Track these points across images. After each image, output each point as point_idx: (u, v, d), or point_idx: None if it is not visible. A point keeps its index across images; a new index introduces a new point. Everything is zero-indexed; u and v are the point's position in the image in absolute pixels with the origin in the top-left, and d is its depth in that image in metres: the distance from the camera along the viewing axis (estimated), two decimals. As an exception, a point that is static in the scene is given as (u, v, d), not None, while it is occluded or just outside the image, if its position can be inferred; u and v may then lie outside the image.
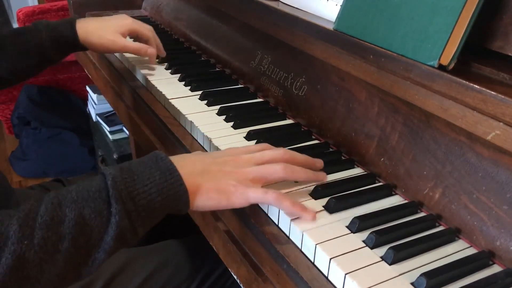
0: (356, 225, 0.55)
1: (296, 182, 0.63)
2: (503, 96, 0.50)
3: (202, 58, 1.11)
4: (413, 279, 0.49)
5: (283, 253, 0.55)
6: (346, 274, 0.49)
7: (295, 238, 0.56)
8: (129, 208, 0.50)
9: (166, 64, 1.03)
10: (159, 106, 0.90)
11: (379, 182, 0.66)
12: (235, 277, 0.62)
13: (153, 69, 1.01)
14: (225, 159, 0.58)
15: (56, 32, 0.90)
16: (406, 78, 0.60)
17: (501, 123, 0.50)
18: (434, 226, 0.58)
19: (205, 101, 0.87)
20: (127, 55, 1.07)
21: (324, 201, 0.60)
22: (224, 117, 0.81)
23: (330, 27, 0.72)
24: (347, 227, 0.56)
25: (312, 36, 0.75)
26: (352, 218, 0.56)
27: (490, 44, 0.58)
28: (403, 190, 0.63)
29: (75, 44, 0.92)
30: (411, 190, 0.62)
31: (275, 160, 0.60)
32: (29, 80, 2.14)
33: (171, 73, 1.00)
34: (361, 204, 0.60)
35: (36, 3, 3.14)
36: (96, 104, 1.86)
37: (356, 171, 0.69)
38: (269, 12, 0.85)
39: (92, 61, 1.23)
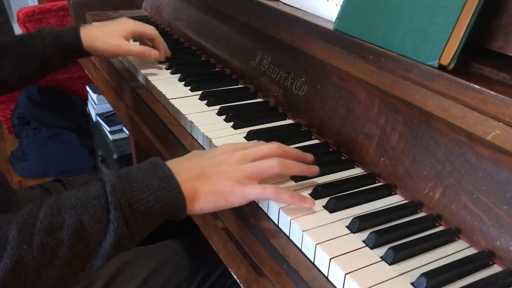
0: (356, 225, 0.55)
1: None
2: (503, 96, 0.50)
3: (202, 58, 1.11)
4: (413, 279, 0.49)
5: (283, 253, 0.55)
6: (346, 274, 0.49)
7: (295, 238, 0.56)
8: (128, 215, 0.51)
9: (166, 64, 1.03)
10: (159, 106, 0.90)
11: (379, 182, 0.66)
12: (235, 277, 0.62)
13: (153, 69, 1.01)
14: (220, 159, 0.59)
15: (60, 38, 0.91)
16: (406, 78, 0.60)
17: (501, 123, 0.50)
18: (434, 226, 0.58)
19: (205, 101, 0.87)
20: (127, 55, 1.07)
21: (324, 201, 0.60)
22: (224, 117, 0.81)
23: (330, 27, 0.72)
24: (347, 227, 0.56)
25: (312, 36, 0.75)
26: (352, 218, 0.56)
27: (490, 44, 0.58)
28: (403, 190, 0.63)
29: (79, 50, 0.93)
30: (411, 190, 0.62)
31: (270, 155, 0.60)
32: (29, 80, 2.13)
33: (171, 73, 1.00)
34: (361, 204, 0.60)
35: (36, 3, 3.14)
36: (96, 104, 1.86)
37: (356, 171, 0.69)
38: (269, 12, 0.85)
39: (92, 61, 1.23)
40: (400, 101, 0.63)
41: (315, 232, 0.54)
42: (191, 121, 0.79)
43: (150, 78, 0.96)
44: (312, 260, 0.53)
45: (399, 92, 0.61)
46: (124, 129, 1.73)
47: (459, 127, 0.55)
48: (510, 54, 0.56)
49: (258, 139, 0.73)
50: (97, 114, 1.85)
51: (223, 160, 0.58)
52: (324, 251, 0.51)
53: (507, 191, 0.52)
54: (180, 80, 0.96)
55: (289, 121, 0.83)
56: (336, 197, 0.60)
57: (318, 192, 0.61)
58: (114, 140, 1.72)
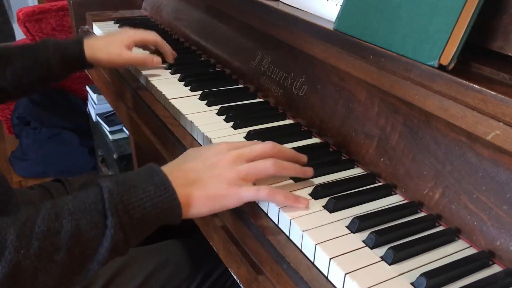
0: (356, 225, 0.55)
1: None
2: (503, 96, 0.50)
3: (202, 58, 1.11)
4: (413, 279, 0.49)
5: (283, 253, 0.55)
6: (346, 274, 0.49)
7: (295, 238, 0.56)
8: (124, 221, 0.51)
9: (166, 64, 1.03)
10: (159, 106, 0.90)
11: (379, 182, 0.66)
12: (235, 277, 0.62)
13: (153, 69, 1.01)
14: (214, 161, 0.58)
15: (63, 50, 0.91)
16: (406, 78, 0.60)
17: (501, 123, 0.50)
18: (434, 226, 0.58)
19: (205, 101, 0.87)
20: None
21: (324, 201, 0.60)
22: (224, 117, 0.81)
23: (330, 27, 0.72)
24: (347, 227, 0.56)
25: (312, 36, 0.75)
26: (352, 218, 0.56)
27: (490, 44, 0.58)
28: (403, 190, 0.63)
29: (82, 62, 0.93)
30: (411, 190, 0.62)
31: (265, 155, 0.60)
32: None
33: (171, 73, 1.00)
34: (361, 204, 0.60)
35: (36, 3, 3.14)
36: (96, 104, 1.86)
37: (356, 171, 0.69)
38: (269, 12, 0.85)
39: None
40: (400, 101, 0.63)
41: (315, 232, 0.54)
42: (191, 121, 0.79)
43: (150, 78, 0.96)
44: (312, 260, 0.53)
45: (399, 92, 0.61)
46: (124, 129, 1.73)
47: (459, 127, 0.55)
48: (510, 54, 0.56)
49: (258, 139, 0.73)
50: (97, 114, 1.85)
51: (217, 161, 0.58)
52: (324, 251, 0.51)
53: (507, 191, 0.52)
54: (180, 80, 0.96)
55: (289, 121, 0.83)
56: (336, 197, 0.60)
57: (318, 192, 0.61)
58: (114, 140, 1.72)
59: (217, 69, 1.04)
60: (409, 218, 0.59)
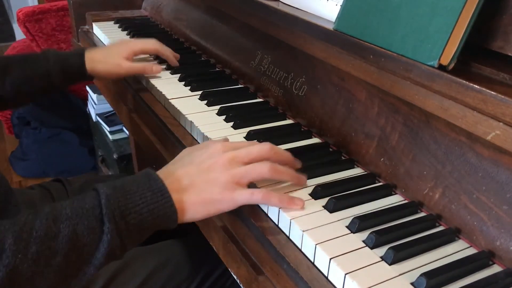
0: (356, 225, 0.55)
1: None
2: (503, 96, 0.50)
3: (202, 58, 1.11)
4: (413, 279, 0.49)
5: (283, 253, 0.55)
6: (346, 274, 0.49)
7: (295, 238, 0.56)
8: (121, 227, 0.52)
9: (166, 64, 1.03)
10: (159, 106, 0.90)
11: (379, 182, 0.66)
12: (235, 277, 0.62)
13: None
14: (208, 164, 0.58)
15: (64, 62, 0.91)
16: (406, 78, 0.60)
17: (501, 123, 0.50)
18: (434, 226, 0.58)
19: (205, 101, 0.87)
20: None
21: (324, 201, 0.60)
22: (224, 117, 0.81)
23: (330, 27, 0.72)
24: (347, 227, 0.56)
25: (312, 36, 0.75)
26: (352, 218, 0.56)
27: (490, 44, 0.58)
28: (403, 190, 0.63)
29: (83, 74, 0.94)
30: (411, 190, 0.62)
31: (262, 157, 0.59)
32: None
33: (171, 73, 1.00)
34: (361, 204, 0.60)
35: (36, 3, 3.14)
36: (96, 104, 1.86)
37: (356, 171, 0.69)
38: (269, 12, 0.85)
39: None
40: (400, 101, 0.63)
41: (315, 232, 0.54)
42: (191, 121, 0.79)
43: (150, 78, 0.96)
44: (312, 260, 0.53)
45: (399, 92, 0.61)
46: (124, 129, 1.73)
47: (459, 127, 0.55)
48: (510, 54, 0.56)
49: (258, 139, 0.73)
50: (97, 114, 1.85)
51: (211, 165, 0.58)
52: (324, 251, 0.51)
53: (507, 191, 0.52)
54: (180, 80, 0.96)
55: (289, 121, 0.83)
56: (336, 197, 0.59)
57: (318, 192, 0.61)
58: (114, 140, 1.72)
59: (217, 69, 1.04)
60: (409, 218, 0.59)
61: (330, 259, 0.51)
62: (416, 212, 0.60)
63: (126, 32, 1.27)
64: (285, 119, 0.83)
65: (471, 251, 0.55)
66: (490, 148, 0.54)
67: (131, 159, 1.62)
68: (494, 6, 0.57)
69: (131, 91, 0.99)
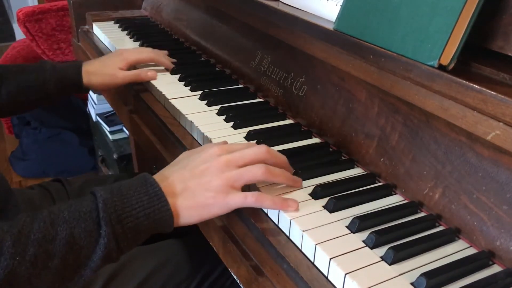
0: (356, 225, 0.55)
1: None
2: (503, 96, 0.50)
3: (202, 58, 1.11)
4: (413, 279, 0.49)
5: (283, 253, 0.55)
6: (346, 274, 0.49)
7: (295, 238, 0.56)
8: (117, 231, 0.53)
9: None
10: (159, 106, 0.90)
11: (379, 182, 0.66)
12: (235, 277, 0.62)
13: (153, 69, 1.01)
14: (202, 169, 0.58)
15: (61, 74, 0.92)
16: (406, 78, 0.60)
17: (501, 123, 0.50)
18: (434, 226, 0.58)
19: (205, 101, 0.87)
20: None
21: (324, 201, 0.60)
22: (224, 117, 0.81)
23: (330, 27, 0.72)
24: (347, 227, 0.56)
25: (312, 36, 0.75)
26: (352, 218, 0.56)
27: (490, 44, 0.58)
28: (403, 190, 0.63)
29: (79, 86, 0.94)
30: (411, 190, 0.62)
31: (257, 160, 0.59)
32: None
33: (171, 73, 1.00)
34: (361, 204, 0.60)
35: (36, 3, 3.14)
36: (96, 104, 1.86)
37: (356, 171, 0.69)
38: (269, 12, 0.85)
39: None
40: (400, 101, 0.63)
41: (315, 232, 0.54)
42: (191, 121, 0.79)
43: (150, 78, 0.96)
44: (312, 260, 0.53)
45: (399, 92, 0.61)
46: (124, 129, 1.73)
47: (459, 127, 0.55)
48: (510, 54, 0.56)
49: (258, 139, 0.73)
50: (97, 114, 1.85)
51: (205, 169, 0.58)
52: (324, 251, 0.51)
53: (507, 191, 0.52)
54: (180, 80, 0.96)
55: (289, 121, 0.83)
56: (336, 197, 0.59)
57: (318, 192, 0.61)
58: (114, 140, 1.72)
59: (217, 69, 1.04)
60: (409, 218, 0.59)
61: (330, 259, 0.51)
62: (416, 212, 0.60)
63: (126, 32, 1.27)
64: (285, 119, 0.83)
65: (471, 251, 0.55)
66: (490, 148, 0.54)
67: (131, 159, 1.62)
68: (494, 6, 0.57)
69: (131, 91, 0.99)
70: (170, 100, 0.87)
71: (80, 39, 1.36)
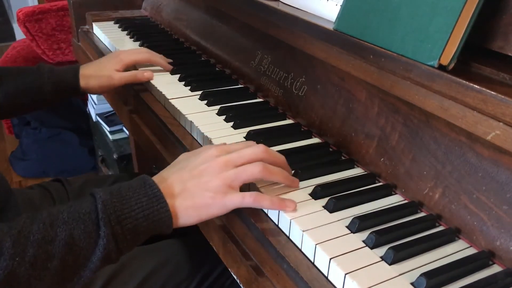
0: (356, 225, 0.55)
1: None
2: (503, 96, 0.50)
3: (202, 58, 1.11)
4: (413, 279, 0.49)
5: (283, 253, 0.55)
6: (346, 274, 0.49)
7: (295, 238, 0.56)
8: (116, 232, 0.53)
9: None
10: (159, 106, 0.90)
11: (379, 182, 0.66)
12: (235, 277, 0.62)
13: (153, 69, 1.01)
14: (200, 170, 0.58)
15: (59, 77, 0.92)
16: (406, 78, 0.60)
17: (501, 123, 0.50)
18: (434, 226, 0.58)
19: (205, 101, 0.87)
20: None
21: (324, 201, 0.60)
22: (224, 117, 0.81)
23: (330, 27, 0.72)
24: (347, 227, 0.56)
25: (312, 36, 0.75)
26: (352, 218, 0.56)
27: (490, 44, 0.58)
28: (403, 190, 0.63)
29: (76, 90, 0.94)
30: (411, 190, 0.62)
31: (255, 159, 0.59)
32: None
33: (171, 73, 1.00)
34: (361, 204, 0.60)
35: (36, 3, 3.14)
36: (96, 104, 1.86)
37: (356, 171, 0.69)
38: (269, 12, 0.85)
39: (92, 61, 1.23)
40: (400, 101, 0.63)
41: (315, 232, 0.54)
42: (191, 121, 0.79)
43: (150, 78, 0.96)
44: (312, 260, 0.53)
45: (399, 92, 0.61)
46: (124, 129, 1.73)
47: (459, 127, 0.55)
48: (510, 54, 0.56)
49: (258, 139, 0.73)
50: (97, 114, 1.85)
51: (204, 169, 0.58)
52: (324, 251, 0.51)
53: (507, 191, 0.52)
54: (180, 80, 0.96)
55: (289, 121, 0.83)
56: (336, 197, 0.59)
57: (318, 192, 0.61)
58: (114, 140, 1.72)
59: (217, 69, 1.04)
60: (409, 218, 0.59)
61: (330, 259, 0.51)
62: (416, 212, 0.60)
63: (126, 32, 1.27)
64: (285, 119, 0.83)
65: (471, 251, 0.55)
66: (490, 148, 0.54)
67: (131, 159, 1.62)
68: (494, 6, 0.57)
69: (131, 91, 0.99)
70: (170, 100, 0.87)
71: (80, 39, 1.36)
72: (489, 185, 0.54)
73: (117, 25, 1.33)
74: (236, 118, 0.80)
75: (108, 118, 1.80)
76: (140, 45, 1.17)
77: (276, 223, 0.59)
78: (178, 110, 0.83)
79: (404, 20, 0.61)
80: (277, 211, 0.58)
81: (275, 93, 0.86)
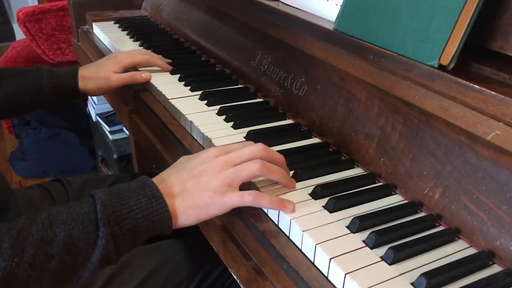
0: (356, 225, 0.55)
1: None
2: (503, 96, 0.50)
3: (202, 58, 1.11)
4: (413, 279, 0.49)
5: (283, 253, 0.55)
6: (346, 274, 0.49)
7: (295, 238, 0.56)
8: (115, 232, 0.53)
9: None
10: (159, 106, 0.90)
11: (379, 182, 0.66)
12: (235, 277, 0.62)
13: (153, 69, 1.01)
14: (200, 170, 0.58)
15: (58, 79, 0.92)
16: (406, 78, 0.60)
17: (501, 123, 0.50)
18: (434, 226, 0.58)
19: (205, 101, 0.87)
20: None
21: (324, 201, 0.60)
22: (224, 117, 0.81)
23: (330, 27, 0.72)
24: (347, 227, 0.56)
25: (312, 36, 0.75)
26: (352, 218, 0.56)
27: (490, 44, 0.58)
28: (403, 190, 0.63)
29: (75, 91, 0.94)
30: (411, 190, 0.62)
31: (254, 157, 0.59)
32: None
33: (171, 73, 1.00)
34: (361, 204, 0.60)
35: (36, 3, 3.14)
36: (96, 104, 1.86)
37: (356, 171, 0.69)
38: (269, 12, 0.85)
39: (92, 61, 1.23)
40: (400, 101, 0.63)
41: (315, 232, 0.54)
42: (191, 121, 0.79)
43: (150, 78, 0.96)
44: (312, 260, 0.53)
45: (399, 92, 0.61)
46: (124, 129, 1.73)
47: (459, 127, 0.55)
48: (510, 54, 0.56)
49: (258, 139, 0.73)
50: (97, 114, 1.85)
51: (203, 169, 0.58)
52: (324, 251, 0.51)
53: (507, 191, 0.52)
54: (180, 80, 0.96)
55: (289, 121, 0.83)
56: (336, 197, 0.59)
57: (318, 192, 0.61)
58: (114, 140, 1.72)
59: (217, 69, 1.04)
60: (409, 218, 0.59)
61: (330, 259, 0.51)
62: (416, 212, 0.60)
63: (126, 32, 1.27)
64: (285, 119, 0.83)
65: (471, 251, 0.55)
66: (490, 148, 0.54)
67: (131, 159, 1.62)
68: (494, 6, 0.57)
69: (131, 91, 0.99)
70: (170, 100, 0.87)
71: (80, 39, 1.36)
72: (489, 185, 0.54)
73: (117, 25, 1.33)
74: (236, 118, 0.80)
75: (108, 118, 1.80)
76: (140, 45, 1.17)
77: (276, 223, 0.59)
78: (178, 110, 0.83)
79: (404, 20, 0.61)
80: (277, 211, 0.58)
81: (275, 93, 0.86)
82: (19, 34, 3.14)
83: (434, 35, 0.58)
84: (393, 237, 0.54)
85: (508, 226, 0.52)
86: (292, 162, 0.65)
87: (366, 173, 0.68)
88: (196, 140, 0.78)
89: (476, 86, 0.52)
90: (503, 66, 0.57)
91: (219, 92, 0.91)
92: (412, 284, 0.49)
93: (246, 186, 0.63)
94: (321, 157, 0.72)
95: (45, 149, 2.16)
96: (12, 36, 3.63)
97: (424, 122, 0.61)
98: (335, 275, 0.50)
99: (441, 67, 0.57)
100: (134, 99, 0.98)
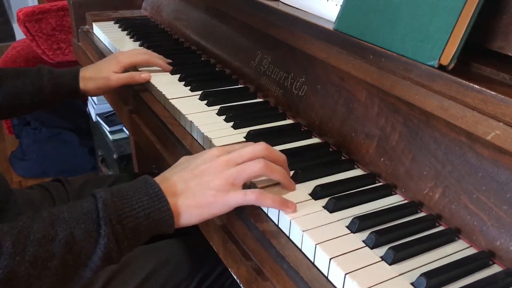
0: (356, 225, 0.55)
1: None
2: (503, 96, 0.50)
3: (202, 58, 1.11)
4: (413, 279, 0.49)
5: (283, 253, 0.55)
6: (346, 274, 0.49)
7: (295, 238, 0.56)
8: (117, 230, 0.53)
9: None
10: (159, 106, 0.90)
11: (379, 182, 0.66)
12: (235, 277, 0.62)
13: (153, 69, 1.01)
14: (202, 169, 0.59)
15: (58, 79, 0.92)
16: (406, 78, 0.60)
17: (501, 123, 0.50)
18: (434, 226, 0.58)
19: (205, 101, 0.87)
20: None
21: (324, 201, 0.60)
22: (224, 117, 0.81)
23: (330, 27, 0.72)
24: (347, 227, 0.56)
25: (312, 36, 0.75)
26: (352, 218, 0.56)
27: (490, 44, 0.58)
28: (403, 190, 0.63)
29: (76, 92, 0.95)
30: (411, 190, 0.62)
31: (256, 156, 0.60)
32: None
33: (171, 73, 1.00)
34: (361, 204, 0.60)
35: (36, 3, 3.14)
36: (96, 104, 1.86)
37: (356, 171, 0.69)
38: (269, 12, 0.85)
39: (92, 61, 1.23)
40: (400, 101, 0.63)
41: (315, 232, 0.54)
42: (191, 121, 0.79)
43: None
44: (312, 260, 0.53)
45: (399, 92, 0.61)
46: (124, 129, 1.73)
47: (459, 127, 0.55)
48: (510, 54, 0.56)
49: (258, 139, 0.73)
50: (97, 114, 1.85)
51: (205, 169, 0.58)
52: (324, 251, 0.51)
53: (507, 191, 0.52)
54: (180, 80, 0.96)
55: (289, 121, 0.83)
56: (336, 197, 0.60)
57: (318, 192, 0.61)
58: (114, 140, 1.72)
59: (217, 69, 1.04)
60: (409, 218, 0.59)
61: (330, 259, 0.51)
62: (416, 212, 0.60)
63: (126, 32, 1.27)
64: (285, 119, 0.83)
65: (471, 251, 0.55)
66: (490, 148, 0.54)
67: (131, 159, 1.62)
68: (494, 6, 0.57)
69: (131, 91, 0.99)
70: (170, 100, 0.87)
71: (80, 39, 1.36)
72: (489, 185, 0.54)
73: (117, 25, 1.33)
74: (236, 118, 0.80)
75: (108, 118, 1.80)
76: (140, 45, 1.17)
77: (276, 223, 0.59)
78: (178, 110, 0.83)
79: (404, 20, 0.61)
80: (277, 211, 0.58)
81: (275, 93, 0.86)
82: (19, 34, 3.14)
83: (434, 35, 0.58)
84: (393, 237, 0.55)
85: (508, 226, 0.52)
86: (292, 162, 0.65)
87: (366, 173, 0.68)
88: (196, 140, 0.78)
89: (476, 86, 0.52)
90: (503, 66, 0.57)
91: (219, 92, 0.91)
92: (412, 284, 0.49)
93: (246, 186, 0.63)
94: (321, 157, 0.72)
95: (45, 149, 2.16)
96: (12, 36, 3.63)
97: (424, 122, 0.61)
98: (335, 275, 0.50)
99: (441, 67, 0.57)
100: (134, 99, 0.98)
